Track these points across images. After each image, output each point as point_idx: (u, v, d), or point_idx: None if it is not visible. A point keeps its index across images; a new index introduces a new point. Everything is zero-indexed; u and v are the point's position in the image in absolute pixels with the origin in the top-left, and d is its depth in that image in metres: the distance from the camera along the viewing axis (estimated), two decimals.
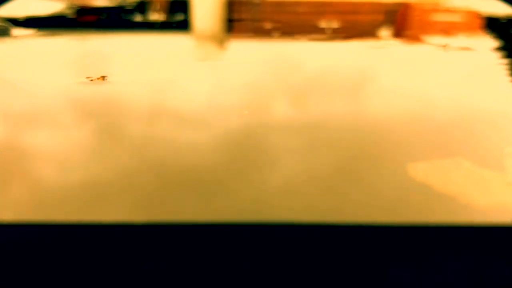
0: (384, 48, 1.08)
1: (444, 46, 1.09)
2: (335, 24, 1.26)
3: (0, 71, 0.93)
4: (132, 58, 0.98)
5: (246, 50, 1.07)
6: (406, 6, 1.47)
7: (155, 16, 1.42)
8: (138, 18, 1.35)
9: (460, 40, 1.16)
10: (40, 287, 0.43)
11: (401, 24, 1.35)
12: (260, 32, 1.20)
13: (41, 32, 1.16)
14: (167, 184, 0.56)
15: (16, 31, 1.16)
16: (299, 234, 0.49)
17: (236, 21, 1.34)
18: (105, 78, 0.84)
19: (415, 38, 1.21)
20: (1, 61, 0.99)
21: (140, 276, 0.43)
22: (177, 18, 1.39)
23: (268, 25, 1.26)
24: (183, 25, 1.28)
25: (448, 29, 1.25)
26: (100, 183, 0.56)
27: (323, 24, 1.26)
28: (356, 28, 1.27)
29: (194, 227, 0.49)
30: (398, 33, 1.25)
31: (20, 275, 0.44)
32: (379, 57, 1.02)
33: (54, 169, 0.59)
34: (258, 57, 1.00)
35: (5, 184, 0.57)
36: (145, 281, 0.43)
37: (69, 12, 1.33)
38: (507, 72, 0.93)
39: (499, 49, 1.07)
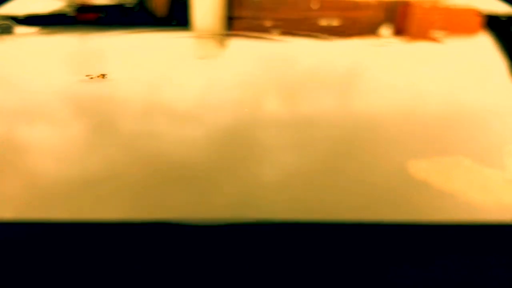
0: (383, 46, 1.08)
1: (443, 44, 1.09)
2: (335, 22, 1.26)
3: (0, 69, 0.93)
4: (132, 56, 0.98)
5: (245, 48, 1.07)
6: (406, 4, 1.47)
7: (155, 14, 1.42)
8: (138, 16, 1.35)
9: (460, 38, 1.16)
10: (30, 286, 0.43)
11: (401, 22, 1.34)
12: (259, 29, 1.20)
13: (41, 30, 1.16)
14: (160, 181, 0.56)
15: (17, 29, 1.16)
16: (295, 233, 0.49)
17: (236, 19, 1.34)
18: (105, 76, 0.84)
19: (415, 36, 1.21)
20: (1, 59, 0.99)
21: (134, 275, 0.43)
22: (177, 16, 1.39)
23: (267, 23, 1.26)
24: (183, 23, 1.28)
25: (448, 28, 1.25)
26: (92, 181, 0.56)
27: (323, 22, 1.26)
28: (356, 26, 1.27)
29: (186, 225, 0.49)
30: (399, 31, 1.25)
31: (12, 274, 0.44)
32: (378, 55, 1.02)
33: (50, 167, 0.59)
34: (257, 55, 1.00)
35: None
36: (139, 280, 0.43)
37: (69, 10, 1.33)
38: (507, 70, 0.93)
39: (499, 47, 1.07)
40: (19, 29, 1.15)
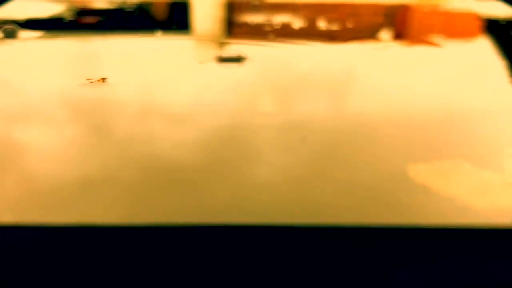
0: (383, 50, 1.08)
1: (443, 48, 1.09)
2: (335, 26, 1.26)
3: (0, 72, 0.93)
4: (132, 60, 0.98)
5: (244, 52, 1.07)
6: (406, 8, 1.47)
7: (155, 18, 1.43)
8: (138, 20, 1.35)
9: (459, 42, 1.16)
10: None
11: (401, 26, 1.35)
12: (259, 34, 1.20)
13: (41, 34, 1.16)
14: (159, 185, 0.56)
15: (19, 33, 1.16)
16: (293, 235, 0.49)
17: (236, 23, 1.34)
18: (105, 80, 0.84)
19: (415, 40, 1.21)
20: (2, 62, 0.99)
21: (131, 278, 0.43)
22: (177, 20, 1.39)
23: (267, 28, 1.26)
24: (183, 27, 1.28)
25: (448, 31, 1.25)
26: (92, 185, 0.56)
27: (323, 26, 1.26)
28: (356, 30, 1.27)
29: (181, 227, 0.49)
30: (398, 35, 1.25)
31: (9, 277, 0.44)
32: (377, 59, 1.02)
33: (51, 170, 0.59)
34: (256, 59, 1.00)
35: None
36: (136, 282, 0.43)
37: (69, 14, 1.33)
38: (506, 74, 0.94)
39: (499, 50, 1.07)
40: (21, 33, 1.15)
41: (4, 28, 1.17)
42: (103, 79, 0.84)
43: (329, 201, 0.54)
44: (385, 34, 1.23)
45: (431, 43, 1.13)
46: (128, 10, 1.41)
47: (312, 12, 1.40)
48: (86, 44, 1.10)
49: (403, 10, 1.46)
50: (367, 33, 1.25)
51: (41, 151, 0.64)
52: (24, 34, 1.15)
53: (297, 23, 1.29)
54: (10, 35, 1.14)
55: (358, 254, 0.46)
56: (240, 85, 0.85)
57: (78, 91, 0.81)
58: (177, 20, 1.40)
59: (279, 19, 1.35)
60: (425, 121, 0.73)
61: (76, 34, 1.18)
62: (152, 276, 0.43)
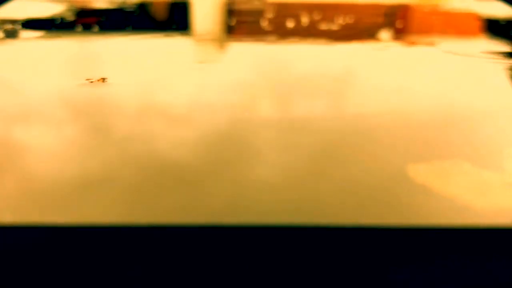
0: (383, 50, 1.08)
1: (442, 48, 1.09)
2: (335, 27, 1.26)
3: (0, 72, 0.93)
4: (132, 60, 0.98)
5: (244, 52, 1.07)
6: (406, 8, 1.47)
7: (155, 18, 1.43)
8: (138, 20, 1.35)
9: (460, 42, 1.16)
10: None
11: (401, 26, 1.35)
12: (259, 35, 1.20)
13: (40, 34, 1.16)
14: (160, 185, 0.56)
15: (20, 33, 1.16)
16: (293, 236, 0.49)
17: (236, 24, 1.35)
18: (105, 80, 0.84)
19: (415, 40, 1.21)
20: (2, 62, 0.99)
21: (129, 278, 0.43)
22: (177, 21, 1.39)
23: (268, 28, 1.26)
24: (183, 28, 1.28)
25: (448, 31, 1.25)
26: (92, 185, 0.56)
27: (323, 26, 1.26)
28: (356, 30, 1.27)
29: (180, 228, 0.49)
30: (398, 35, 1.25)
31: (7, 278, 0.44)
32: (376, 59, 1.02)
33: (51, 170, 0.59)
34: (256, 60, 1.00)
35: None
36: (135, 283, 0.43)
37: (68, 14, 1.33)
38: (507, 74, 0.94)
39: (499, 51, 1.07)
40: (21, 33, 1.16)
41: (4, 28, 1.17)
42: (103, 79, 0.85)
43: (329, 201, 0.54)
44: (385, 34, 1.23)
45: (431, 43, 1.13)
46: (128, 10, 1.41)
47: (312, 12, 1.40)
48: (86, 44, 1.10)
49: (403, 10, 1.46)
50: (367, 33, 1.25)
51: (41, 151, 0.64)
52: (24, 34, 1.16)
53: (297, 23, 1.29)
54: (11, 35, 1.14)
55: (358, 254, 0.46)
56: (240, 85, 0.85)
57: (78, 91, 0.81)
58: (177, 20, 1.41)
59: (280, 19, 1.35)
60: (425, 121, 0.73)
61: (76, 34, 1.18)
62: (152, 276, 0.43)
